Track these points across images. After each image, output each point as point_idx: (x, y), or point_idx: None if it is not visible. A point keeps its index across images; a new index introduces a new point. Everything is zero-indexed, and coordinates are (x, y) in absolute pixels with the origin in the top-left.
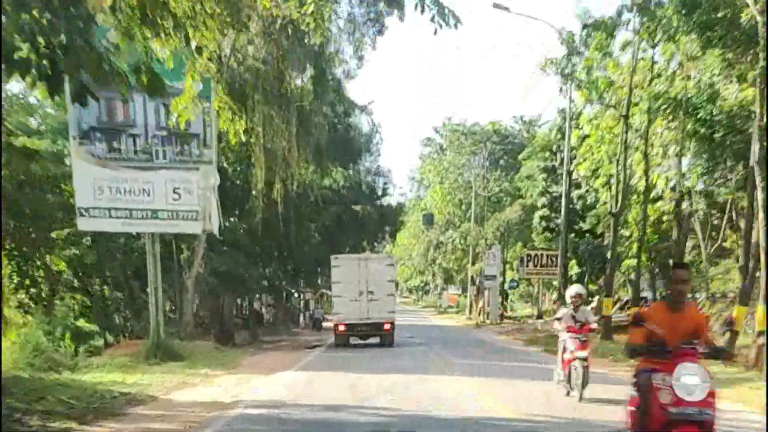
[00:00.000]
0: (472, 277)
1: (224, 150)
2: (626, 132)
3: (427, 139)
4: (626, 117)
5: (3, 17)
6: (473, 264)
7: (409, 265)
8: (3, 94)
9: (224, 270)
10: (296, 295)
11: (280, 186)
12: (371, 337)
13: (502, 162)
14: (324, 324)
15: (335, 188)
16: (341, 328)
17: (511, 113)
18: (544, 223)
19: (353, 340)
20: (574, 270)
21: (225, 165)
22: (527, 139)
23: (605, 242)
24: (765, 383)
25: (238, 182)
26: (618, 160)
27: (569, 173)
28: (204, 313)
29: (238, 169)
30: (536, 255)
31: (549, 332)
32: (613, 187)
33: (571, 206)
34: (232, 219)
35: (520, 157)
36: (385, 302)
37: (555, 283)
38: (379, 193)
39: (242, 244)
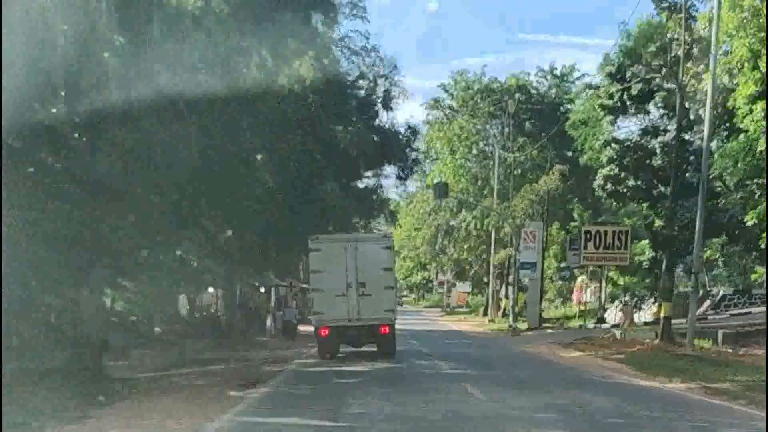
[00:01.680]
0: (495, 267)
1: None
2: None
3: (434, 100)
4: None
5: None
6: (497, 251)
7: (413, 256)
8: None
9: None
10: (261, 289)
11: None
12: (365, 344)
13: (528, 126)
14: (304, 327)
15: (298, 88)
16: (324, 332)
17: (535, 64)
18: (609, 186)
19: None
20: (645, 255)
21: None
22: (560, 97)
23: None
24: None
25: None
26: None
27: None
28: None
29: None
30: (598, 233)
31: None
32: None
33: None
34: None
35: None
36: (381, 298)
37: (611, 273)
38: (378, 105)
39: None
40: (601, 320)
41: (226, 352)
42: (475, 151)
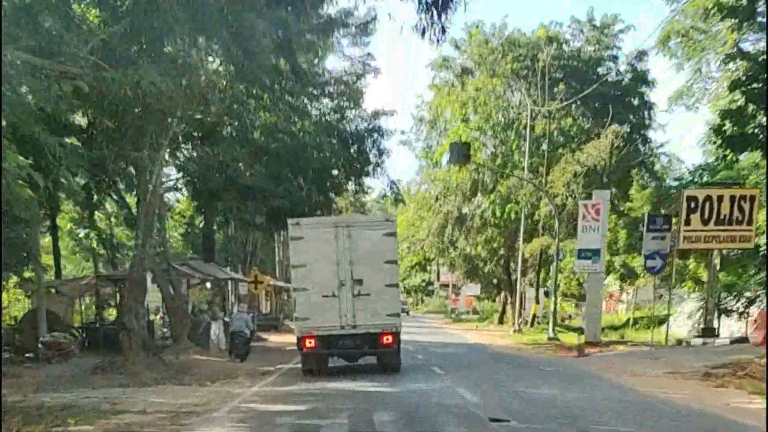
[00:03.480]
0: (526, 260)
1: None
2: None
3: (443, 59)
4: None
5: None
6: (530, 239)
7: (415, 250)
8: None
9: None
10: (206, 284)
11: None
12: (362, 356)
13: (561, 88)
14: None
15: None
16: (310, 343)
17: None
18: (729, 128)
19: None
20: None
21: None
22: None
23: None
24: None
25: None
26: None
27: None
28: None
29: None
30: (708, 200)
31: None
32: None
33: None
34: None
35: None
36: (382, 299)
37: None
38: None
39: None
40: (709, 332)
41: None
42: (496, 120)
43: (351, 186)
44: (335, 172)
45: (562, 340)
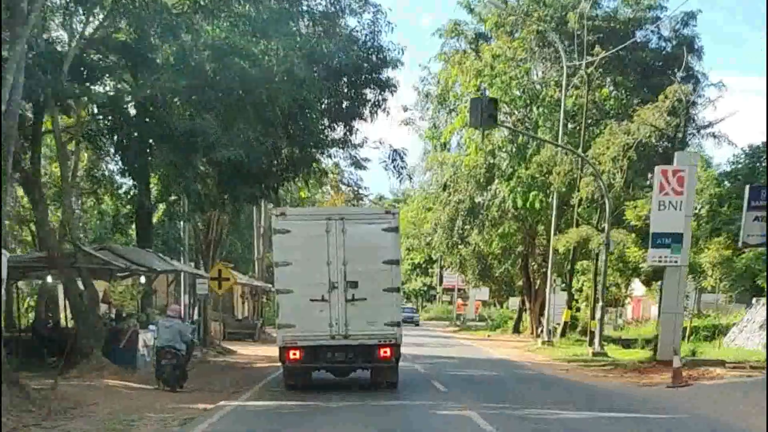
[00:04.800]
0: (561, 257)
1: None
2: None
3: (454, 24)
4: None
5: None
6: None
7: (421, 248)
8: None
9: None
10: (125, 281)
11: None
12: (353, 370)
13: (597, 51)
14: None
15: None
16: (294, 355)
17: None
18: None
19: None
20: None
21: None
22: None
23: None
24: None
25: None
26: None
27: None
28: None
29: None
30: None
31: None
32: None
33: None
34: None
35: None
36: (380, 305)
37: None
38: None
39: None
40: None
41: None
42: (515, 94)
43: (339, 132)
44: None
45: (613, 356)
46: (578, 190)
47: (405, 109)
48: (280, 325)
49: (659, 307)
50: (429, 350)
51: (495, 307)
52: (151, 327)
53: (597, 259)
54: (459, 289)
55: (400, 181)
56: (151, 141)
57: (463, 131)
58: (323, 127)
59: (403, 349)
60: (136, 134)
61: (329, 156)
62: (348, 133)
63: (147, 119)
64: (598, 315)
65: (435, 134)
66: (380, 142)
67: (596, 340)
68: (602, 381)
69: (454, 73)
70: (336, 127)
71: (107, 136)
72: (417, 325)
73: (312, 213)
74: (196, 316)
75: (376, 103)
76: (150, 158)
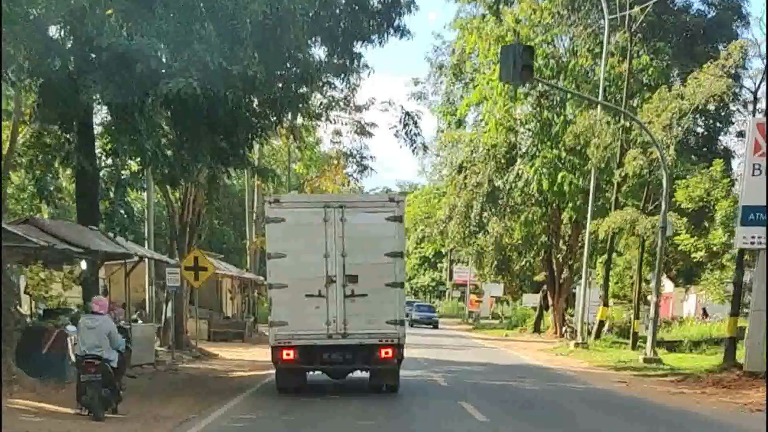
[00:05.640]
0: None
1: None
2: None
3: None
4: None
5: None
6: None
7: (432, 238)
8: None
9: None
10: (81, 264)
11: None
12: (351, 371)
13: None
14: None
15: None
16: (288, 355)
17: None
18: None
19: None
20: None
21: None
22: None
23: None
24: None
25: None
26: None
27: None
28: None
29: None
30: None
31: None
32: None
33: None
34: None
35: None
36: (382, 301)
37: None
38: None
39: None
40: None
41: None
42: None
43: (335, 59)
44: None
45: (669, 362)
46: (621, 167)
47: (416, 83)
48: (273, 323)
49: (752, 302)
50: (447, 353)
51: (508, 304)
52: (70, 328)
53: (644, 247)
54: (473, 285)
55: (414, 151)
56: (73, 70)
57: (480, 107)
58: (310, 46)
59: (417, 352)
60: (58, 60)
61: (322, 94)
62: (347, 62)
63: (72, 40)
64: (650, 313)
65: (449, 110)
66: (390, 103)
67: (649, 344)
68: (687, 402)
69: (471, 41)
70: (332, 52)
71: (26, 70)
72: (436, 327)
73: (308, 200)
74: (169, 313)
75: (385, 13)
76: (79, 94)
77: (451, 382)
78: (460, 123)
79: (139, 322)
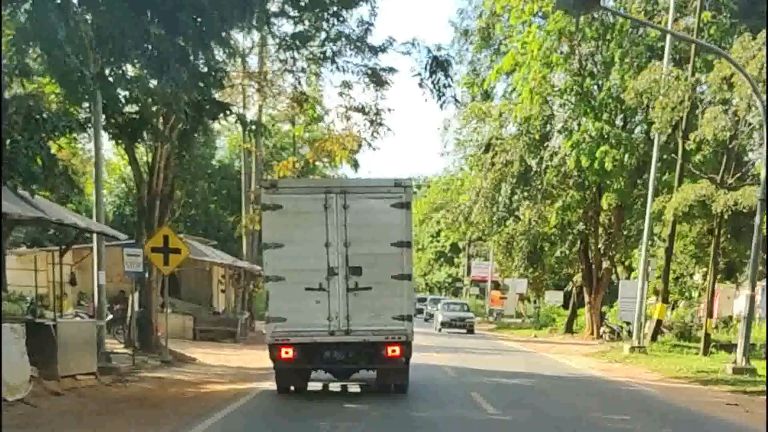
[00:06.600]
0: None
1: None
2: None
3: None
4: None
5: None
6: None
7: (455, 224)
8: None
9: None
10: None
11: None
12: (356, 371)
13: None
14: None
15: None
16: (287, 353)
17: None
18: None
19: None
20: None
21: None
22: None
23: None
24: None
25: None
26: None
27: None
28: None
29: None
30: None
31: None
32: None
33: None
34: None
35: None
36: (388, 295)
37: None
38: None
39: None
40: None
41: None
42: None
43: None
44: None
45: (763, 372)
46: (690, 132)
47: (438, 48)
48: (270, 318)
49: None
50: (476, 360)
51: (530, 301)
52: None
53: (719, 231)
54: (496, 282)
55: (442, 105)
56: None
57: (510, 78)
58: None
59: (439, 358)
60: None
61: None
62: None
63: None
64: (740, 309)
65: (475, 81)
66: (413, 44)
67: (740, 350)
68: None
69: (500, 6)
70: None
71: None
72: (471, 332)
73: (308, 185)
74: (136, 307)
75: None
76: None
77: (502, 409)
78: (487, 95)
79: (77, 318)
